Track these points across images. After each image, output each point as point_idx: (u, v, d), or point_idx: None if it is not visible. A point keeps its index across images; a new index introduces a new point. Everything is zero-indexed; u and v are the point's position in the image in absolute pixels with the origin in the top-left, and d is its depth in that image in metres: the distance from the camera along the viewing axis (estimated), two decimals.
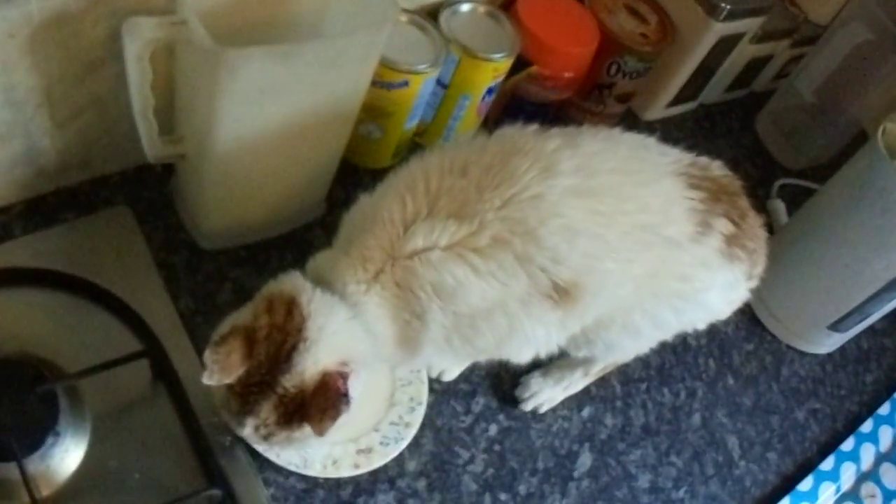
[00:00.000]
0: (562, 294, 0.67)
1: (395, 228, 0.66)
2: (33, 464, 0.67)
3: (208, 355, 0.64)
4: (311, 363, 0.65)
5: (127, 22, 0.65)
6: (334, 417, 0.64)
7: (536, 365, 0.87)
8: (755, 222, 0.76)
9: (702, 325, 0.81)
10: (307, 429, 0.65)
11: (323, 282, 0.68)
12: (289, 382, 0.65)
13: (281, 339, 0.65)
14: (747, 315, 1.05)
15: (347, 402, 0.64)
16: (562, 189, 0.65)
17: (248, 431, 0.67)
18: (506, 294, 0.66)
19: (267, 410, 0.66)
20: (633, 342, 0.79)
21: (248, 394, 0.66)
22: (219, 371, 0.64)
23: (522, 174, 0.66)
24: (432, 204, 0.66)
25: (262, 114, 0.71)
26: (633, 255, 0.68)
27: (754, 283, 0.79)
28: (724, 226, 0.72)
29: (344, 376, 0.65)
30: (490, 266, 0.65)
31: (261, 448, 0.74)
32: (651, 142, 0.75)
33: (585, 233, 0.66)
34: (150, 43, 0.66)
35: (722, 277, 0.74)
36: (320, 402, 0.64)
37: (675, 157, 0.73)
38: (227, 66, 0.64)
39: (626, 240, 0.68)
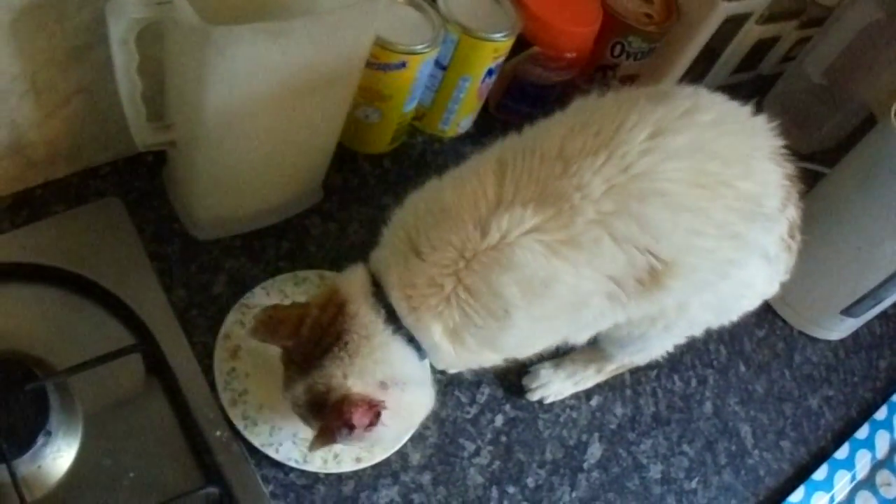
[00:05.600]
0: (654, 277, 0.62)
1: (473, 218, 0.61)
2: (24, 465, 0.65)
3: (259, 313, 0.65)
4: (340, 374, 0.62)
5: (110, 3, 0.63)
6: (322, 444, 0.63)
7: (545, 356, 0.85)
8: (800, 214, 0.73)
9: (735, 318, 0.78)
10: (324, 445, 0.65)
11: (380, 284, 0.64)
12: (319, 379, 0.63)
13: (319, 336, 0.63)
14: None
15: (349, 433, 0.62)
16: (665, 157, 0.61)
17: (290, 405, 0.67)
18: (598, 286, 0.62)
19: (300, 391, 0.64)
20: (663, 340, 0.78)
21: (291, 368, 0.65)
22: (262, 332, 0.65)
23: (630, 139, 0.60)
24: (514, 189, 0.61)
25: (252, 96, 0.68)
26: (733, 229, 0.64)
27: (786, 279, 0.76)
28: (793, 212, 0.70)
29: (373, 406, 0.62)
30: (583, 255, 0.60)
31: (258, 442, 0.72)
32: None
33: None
34: (134, 24, 0.63)
35: (771, 270, 0.72)
36: (327, 420, 0.63)
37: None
38: (216, 46, 0.62)
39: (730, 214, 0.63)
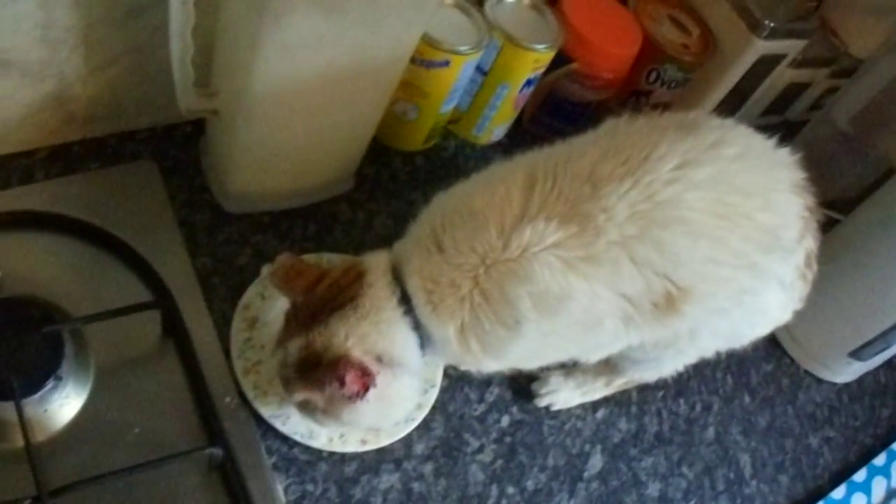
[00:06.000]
0: (669, 301, 0.63)
1: (497, 227, 0.62)
2: (31, 406, 0.65)
3: (284, 258, 0.67)
4: (342, 334, 0.63)
5: None
6: (313, 390, 0.63)
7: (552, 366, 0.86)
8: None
9: (746, 343, 0.79)
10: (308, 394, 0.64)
11: (399, 273, 0.65)
12: (318, 336, 0.63)
13: (333, 295, 0.64)
14: (767, 336, 1.02)
15: (339, 389, 0.62)
16: (689, 186, 0.62)
17: (277, 363, 0.67)
18: (613, 307, 0.63)
19: (294, 347, 0.65)
20: (674, 360, 0.78)
21: (291, 324, 0.66)
22: (280, 278, 0.67)
23: (657, 168, 0.62)
24: (540, 204, 0.62)
25: (301, 71, 0.69)
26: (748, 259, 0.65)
27: (799, 307, 0.76)
28: (810, 243, 0.70)
29: (367, 375, 0.62)
30: (601, 273, 0.61)
31: (266, 413, 0.72)
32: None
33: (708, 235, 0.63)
34: None
35: (785, 297, 0.73)
36: (319, 374, 0.62)
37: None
38: (272, 14, 0.63)
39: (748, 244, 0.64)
